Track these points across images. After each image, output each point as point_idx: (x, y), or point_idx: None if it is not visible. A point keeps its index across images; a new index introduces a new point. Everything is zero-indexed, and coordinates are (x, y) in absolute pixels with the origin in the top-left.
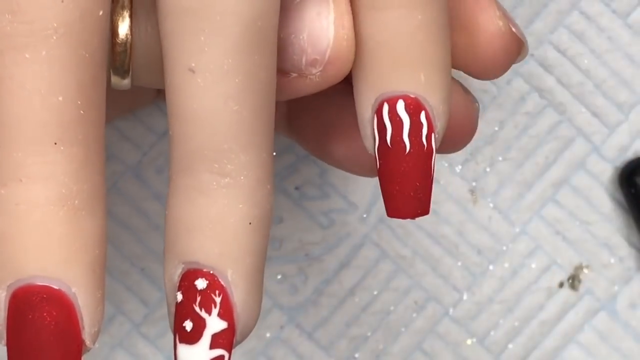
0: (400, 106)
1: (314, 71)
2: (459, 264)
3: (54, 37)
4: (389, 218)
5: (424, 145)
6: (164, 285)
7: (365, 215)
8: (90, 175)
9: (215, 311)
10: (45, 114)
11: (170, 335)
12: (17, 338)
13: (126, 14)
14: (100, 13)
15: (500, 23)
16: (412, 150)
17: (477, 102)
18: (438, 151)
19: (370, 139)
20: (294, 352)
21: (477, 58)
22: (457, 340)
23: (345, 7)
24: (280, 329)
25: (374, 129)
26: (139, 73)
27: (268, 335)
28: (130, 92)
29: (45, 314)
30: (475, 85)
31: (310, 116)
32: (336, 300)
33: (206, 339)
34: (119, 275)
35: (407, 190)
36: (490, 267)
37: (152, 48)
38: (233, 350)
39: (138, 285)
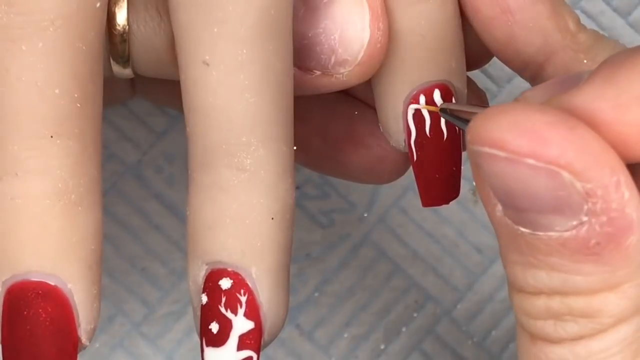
0: (437, 95)
1: (341, 71)
2: (460, 263)
3: (51, 29)
4: (389, 218)
5: (457, 129)
6: (188, 288)
7: (365, 215)
8: (86, 169)
9: (241, 311)
10: (42, 107)
11: (170, 335)
12: (12, 334)
13: (123, 4)
14: (98, 5)
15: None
16: (448, 136)
17: (485, 94)
18: None
19: (402, 134)
20: (293, 351)
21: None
22: (457, 340)
23: (380, 9)
24: None
25: (407, 123)
26: (140, 63)
27: None
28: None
29: (40, 310)
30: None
31: (314, 131)
32: (336, 300)
33: (233, 340)
34: (119, 275)
35: (446, 176)
36: (491, 266)
37: (152, 39)
38: (261, 352)
39: (138, 285)
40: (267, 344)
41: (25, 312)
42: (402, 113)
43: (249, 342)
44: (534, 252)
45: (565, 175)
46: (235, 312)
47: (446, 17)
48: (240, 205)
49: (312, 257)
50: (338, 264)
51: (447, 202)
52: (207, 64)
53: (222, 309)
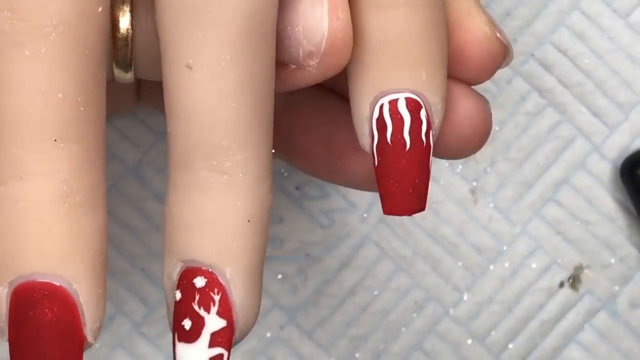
0: (402, 104)
1: (311, 63)
2: (460, 263)
3: (53, 35)
4: (389, 218)
5: (423, 142)
6: (162, 283)
7: (365, 215)
8: (90, 172)
9: (214, 309)
10: (45, 111)
11: (170, 335)
12: (19, 334)
13: (127, 9)
14: (99, 10)
15: (487, 29)
16: (411, 147)
17: (488, 102)
18: (455, 156)
19: (367, 137)
20: (294, 352)
21: (463, 63)
22: (457, 340)
23: None
24: (280, 328)
25: (372, 127)
26: (142, 67)
27: (268, 335)
28: (110, 97)
29: (46, 310)
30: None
31: (318, 140)
32: (336, 300)
33: (205, 337)
34: (119, 275)
35: (405, 186)
36: (491, 267)
37: (154, 42)
38: (232, 350)
39: (138, 285)
40: (237, 342)
41: (31, 313)
42: (367, 116)
43: (220, 339)
44: None
45: None
46: (208, 310)
47: (414, 27)
48: (218, 207)
49: (312, 257)
50: (338, 264)
51: (409, 214)
52: (190, 68)
53: (196, 307)
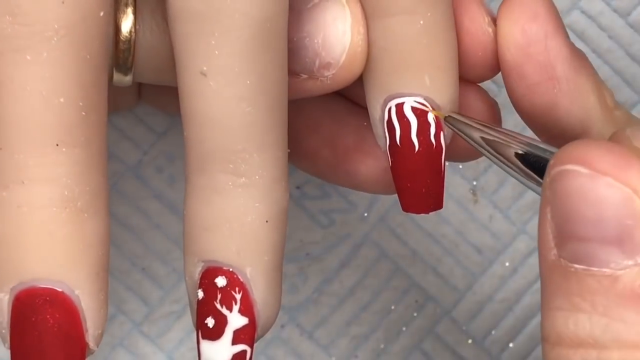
0: (407, 107)
1: (326, 74)
2: (460, 263)
3: (55, 39)
4: (389, 217)
5: (433, 144)
6: (185, 282)
7: (365, 215)
8: (92, 176)
9: (236, 308)
10: (47, 116)
11: (170, 335)
12: (21, 341)
13: (129, 11)
14: (101, 14)
15: (490, 29)
16: (420, 149)
17: (497, 103)
18: (467, 158)
19: (382, 138)
20: (294, 351)
21: (468, 64)
22: (457, 340)
23: (360, 13)
24: (280, 328)
25: (384, 128)
26: (143, 70)
27: (268, 334)
28: (110, 95)
29: (48, 317)
30: None
31: (324, 141)
32: (336, 300)
33: (228, 335)
34: (119, 274)
35: (419, 187)
36: (491, 267)
37: (157, 47)
38: (255, 345)
39: (139, 284)
40: (259, 338)
41: (33, 319)
42: (380, 118)
43: (243, 336)
44: (583, 291)
45: (638, 203)
46: (230, 309)
47: (412, 34)
48: (236, 209)
49: (312, 257)
50: (338, 264)
51: (426, 212)
52: (205, 75)
53: (218, 305)
